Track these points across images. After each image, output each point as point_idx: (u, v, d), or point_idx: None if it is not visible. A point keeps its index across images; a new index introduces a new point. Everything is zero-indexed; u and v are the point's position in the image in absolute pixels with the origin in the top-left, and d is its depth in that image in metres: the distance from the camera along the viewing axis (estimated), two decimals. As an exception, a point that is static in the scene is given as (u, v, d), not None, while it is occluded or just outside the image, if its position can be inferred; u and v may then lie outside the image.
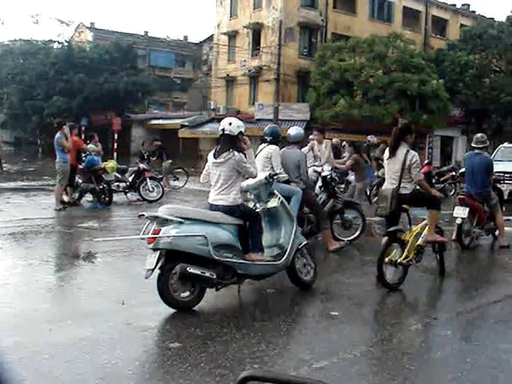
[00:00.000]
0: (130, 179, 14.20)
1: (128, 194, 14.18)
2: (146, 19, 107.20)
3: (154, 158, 16.86)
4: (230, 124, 5.67)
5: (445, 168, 17.40)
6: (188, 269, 5.10)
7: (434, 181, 14.99)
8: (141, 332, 4.76)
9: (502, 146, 18.48)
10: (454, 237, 9.17)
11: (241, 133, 5.71)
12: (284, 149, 8.55)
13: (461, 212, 8.92)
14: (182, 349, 4.38)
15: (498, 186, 11.19)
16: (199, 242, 5.23)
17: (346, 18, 36.47)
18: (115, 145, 28.41)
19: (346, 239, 9.09)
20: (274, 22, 33.84)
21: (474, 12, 45.27)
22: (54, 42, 46.51)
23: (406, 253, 6.34)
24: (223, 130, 5.68)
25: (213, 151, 5.85)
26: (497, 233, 9.61)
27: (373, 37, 30.98)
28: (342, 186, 9.64)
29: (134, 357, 4.24)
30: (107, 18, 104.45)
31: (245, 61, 35.78)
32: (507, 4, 78.59)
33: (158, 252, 5.19)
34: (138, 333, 4.74)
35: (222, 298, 5.78)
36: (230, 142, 5.66)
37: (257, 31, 35.69)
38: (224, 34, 38.52)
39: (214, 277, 5.26)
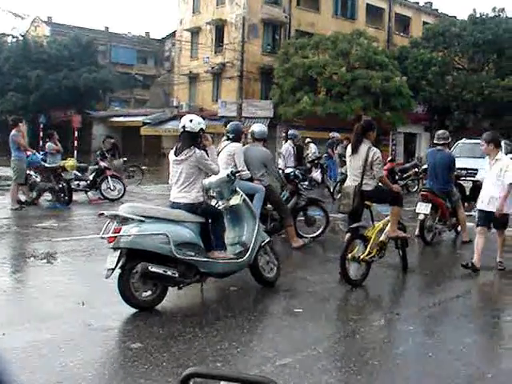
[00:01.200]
0: (91, 177, 13.99)
1: (89, 193, 13.98)
2: (107, 14, 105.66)
3: (108, 156, 16.51)
4: (191, 121, 5.65)
5: (408, 164, 17.66)
6: (149, 268, 5.07)
7: (397, 177, 15.21)
8: (101, 333, 4.71)
9: (460, 142, 18.83)
10: (416, 233, 9.35)
11: (202, 130, 5.70)
12: (247, 146, 8.56)
13: (423, 208, 9.08)
14: (144, 349, 4.34)
15: (460, 182, 11.44)
16: (161, 240, 5.19)
17: (309, 15, 36.68)
18: (75, 142, 27.97)
19: (309, 236, 9.16)
20: (237, 18, 33.81)
21: (436, 10, 46.12)
22: (8, 35, 45.34)
23: (368, 249, 6.42)
24: (184, 127, 5.65)
25: (173, 149, 5.82)
26: (459, 228, 9.83)
27: (336, 34, 31.21)
28: (306, 183, 9.69)
29: (93, 359, 4.18)
30: (65, 13, 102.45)
31: (208, 57, 35.64)
32: (469, 3, 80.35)
33: (119, 251, 5.13)
34: (98, 334, 4.69)
35: (185, 296, 5.76)
36: (190, 139, 5.63)
37: (220, 28, 35.59)
38: (187, 30, 38.28)
39: (177, 275, 5.23)
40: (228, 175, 5.99)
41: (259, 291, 6.14)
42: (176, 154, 5.69)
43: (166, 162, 6.32)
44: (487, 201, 7.40)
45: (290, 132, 13.82)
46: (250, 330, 4.92)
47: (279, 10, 35.19)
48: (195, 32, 37.73)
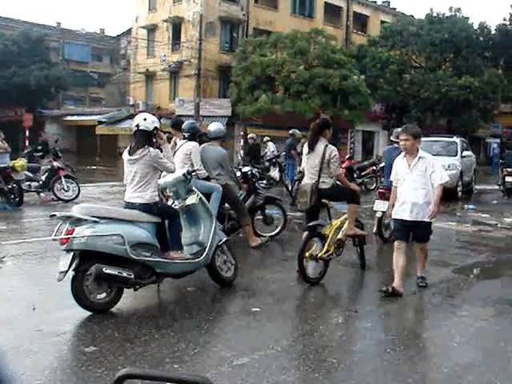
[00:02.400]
0: (44, 178, 13.69)
1: (41, 194, 13.67)
2: (58, 9, 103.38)
3: (39, 154, 15.94)
4: (145, 120, 5.60)
5: (366, 162, 17.92)
6: (104, 269, 5.00)
7: (355, 175, 15.42)
8: (53, 338, 4.62)
9: None
10: (374, 230, 9.49)
11: (156, 128, 5.66)
12: (204, 145, 8.55)
13: (381, 206, 9.22)
14: (98, 352, 4.29)
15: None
16: (115, 241, 5.13)
17: (267, 13, 36.84)
18: (26, 142, 27.35)
19: (267, 235, 9.21)
20: (195, 16, 33.69)
21: (394, 9, 47.01)
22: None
23: (326, 247, 6.49)
24: (138, 126, 5.60)
25: (127, 148, 5.77)
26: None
27: (294, 32, 31.42)
28: (264, 181, 9.73)
29: (44, 365, 4.09)
30: (12, 6, 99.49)
31: (165, 55, 35.41)
32: (426, 2, 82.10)
33: (72, 253, 5.06)
34: (50, 339, 4.60)
35: (141, 298, 5.71)
36: (145, 138, 5.59)
37: (177, 25, 35.40)
38: (143, 27, 37.96)
39: (132, 276, 5.18)
40: (184, 174, 5.97)
41: (217, 291, 6.14)
42: (130, 154, 5.64)
43: (121, 162, 6.25)
44: (409, 208, 6.22)
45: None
46: (207, 330, 4.91)
47: (237, 8, 35.23)
48: (151, 29, 37.44)
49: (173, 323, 4.96)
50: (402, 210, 6.29)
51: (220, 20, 34.70)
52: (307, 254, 6.35)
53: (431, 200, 6.16)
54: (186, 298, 5.95)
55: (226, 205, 8.36)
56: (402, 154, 6.50)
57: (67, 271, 5.03)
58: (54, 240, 5.25)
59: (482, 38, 41.60)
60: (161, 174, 5.92)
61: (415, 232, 6.38)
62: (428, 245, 6.70)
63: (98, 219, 5.17)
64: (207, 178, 8.04)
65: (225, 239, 6.32)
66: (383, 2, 46.43)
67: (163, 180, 6.03)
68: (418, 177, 6.22)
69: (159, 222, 5.61)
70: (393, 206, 6.45)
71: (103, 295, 5.21)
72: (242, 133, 32.14)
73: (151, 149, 5.55)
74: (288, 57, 30.24)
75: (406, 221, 6.26)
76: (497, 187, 19.54)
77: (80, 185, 13.95)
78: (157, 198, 5.68)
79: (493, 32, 42.74)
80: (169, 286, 6.12)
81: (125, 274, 5.12)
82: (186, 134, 8.16)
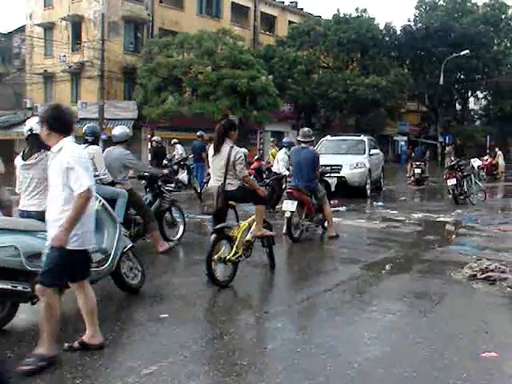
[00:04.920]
0: None
1: None
2: None
3: None
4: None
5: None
6: (-5, 284, 4.77)
7: (264, 176, 15.61)
8: None
9: (324, 139, 19.73)
10: (284, 230, 9.67)
11: None
12: (109, 148, 8.40)
13: (289, 206, 9.41)
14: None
15: (325, 178, 12.01)
16: (9, 253, 4.89)
17: (173, 13, 36.62)
18: None
19: (175, 239, 9.17)
20: (96, 14, 32.85)
21: (301, 9, 48.01)
22: None
23: (234, 249, 6.54)
24: (31, 130, 5.40)
25: (20, 154, 5.55)
26: (326, 224, 10.30)
27: (201, 33, 31.42)
28: (172, 185, 9.66)
29: None
30: None
31: (64, 56, 34.30)
32: (333, 3, 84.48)
33: (-41, 268, 4.79)
34: None
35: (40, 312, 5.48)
36: (40, 142, 5.39)
37: (77, 24, 34.40)
38: (38, 25, 36.57)
39: (28, 289, 4.97)
40: (85, 179, 5.81)
41: (123, 299, 6.04)
42: (24, 159, 5.43)
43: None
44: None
45: (285, 140, 14.88)
46: (112, 340, 4.81)
47: (141, 8, 34.79)
48: (48, 28, 36.17)
49: (75, 336, 4.81)
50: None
51: (124, 19, 34.10)
52: (215, 257, 6.37)
53: None
54: (89, 309, 5.79)
55: (132, 210, 8.24)
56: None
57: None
58: None
59: (387, 38, 43.56)
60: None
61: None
62: None
63: (-12, 231, 4.93)
64: (112, 183, 7.90)
65: (130, 245, 6.21)
66: (291, 3, 47.32)
67: None
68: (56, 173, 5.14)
69: (58, 230, 5.43)
70: None
71: (-5, 312, 4.96)
72: (148, 136, 31.76)
73: (48, 152, 5.37)
74: (195, 58, 30.23)
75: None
76: (404, 184, 20.52)
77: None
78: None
79: (398, 32, 44.83)
80: (70, 298, 5.91)
81: (20, 288, 4.90)
82: (89, 138, 8.00)
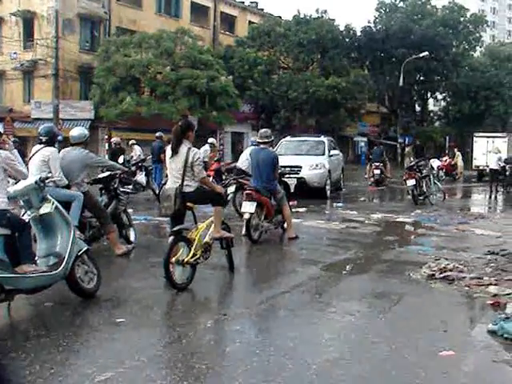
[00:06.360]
0: None
1: None
2: None
3: None
4: None
5: (234, 164, 18.15)
6: None
7: (224, 177, 15.60)
8: None
9: (284, 139, 19.84)
10: (243, 232, 9.68)
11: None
12: (66, 149, 8.27)
13: (248, 207, 9.43)
14: None
15: (285, 179, 12.06)
16: None
17: (131, 12, 36.31)
18: None
19: (133, 240, 9.08)
20: (50, 11, 32.24)
21: (262, 10, 48.20)
22: None
23: (193, 251, 6.50)
24: None
25: None
26: (285, 225, 10.35)
27: (160, 32, 31.28)
28: (130, 186, 9.55)
29: None
30: None
31: (15, 53, 33.52)
32: (293, 3, 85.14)
33: None
34: None
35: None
36: None
37: (28, 20, 33.68)
38: (-17, 20, 35.63)
39: None
40: (36, 182, 5.70)
41: (78, 304, 5.93)
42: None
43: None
44: None
45: (253, 139, 14.71)
46: (66, 347, 4.71)
47: (97, 5, 34.35)
48: (-4, 23, 35.27)
49: (25, 344, 4.69)
50: None
51: (79, 17, 33.61)
52: (173, 260, 6.32)
53: None
54: (42, 315, 5.68)
55: (87, 212, 8.13)
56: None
57: None
58: None
59: (348, 40, 44.15)
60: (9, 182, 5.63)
61: None
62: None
63: None
64: (68, 186, 7.77)
65: (85, 248, 6.12)
66: (251, 3, 47.44)
67: (13, 188, 5.73)
68: None
69: (8, 234, 5.32)
70: None
71: None
72: (106, 136, 31.40)
73: (0, 151, 5.27)
74: (154, 57, 30.05)
75: None
76: (364, 185, 20.78)
77: None
78: (4, 205, 5.38)
79: (358, 34, 45.47)
80: (22, 303, 5.81)
81: None
82: (44, 139, 7.81)
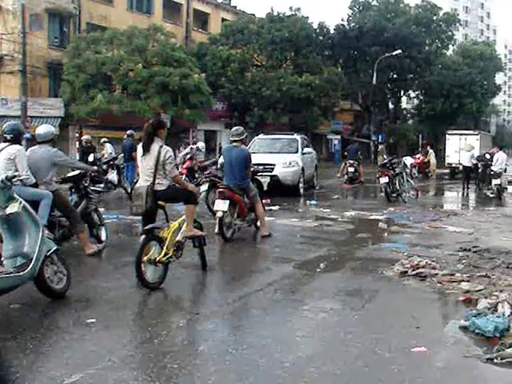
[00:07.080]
0: None
1: None
2: None
3: None
4: None
5: (207, 162, 18.15)
6: None
7: (196, 175, 15.57)
8: None
9: (257, 137, 19.86)
10: (216, 230, 9.67)
11: None
12: (33, 148, 8.15)
13: (221, 205, 9.42)
14: None
15: (257, 177, 12.08)
16: None
17: (101, 8, 35.90)
18: None
19: (104, 240, 9.01)
20: (16, 5, 31.58)
21: (235, 7, 48.19)
22: None
23: (164, 250, 6.47)
24: None
25: None
26: (258, 223, 10.36)
27: (132, 29, 31.02)
28: (102, 185, 9.50)
29: None
30: None
31: (-21, 49, 32.90)
32: (267, 1, 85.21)
33: None
34: None
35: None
36: None
37: (-7, 15, 33.08)
38: None
39: None
40: (2, 180, 5.62)
41: (47, 305, 5.85)
42: None
43: None
44: None
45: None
46: (33, 349, 4.64)
47: (67, 0, 33.86)
48: (-44, 16, 34.50)
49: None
50: None
51: (47, 12, 33.08)
52: (145, 259, 6.29)
53: None
54: (8, 317, 5.57)
55: (56, 211, 8.03)
56: None
57: None
58: None
59: (321, 38, 44.43)
60: None
61: None
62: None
63: None
64: (36, 185, 7.66)
65: (54, 248, 6.04)
66: (224, 0, 47.38)
67: None
68: None
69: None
70: None
71: None
72: (77, 134, 31.07)
73: None
74: (125, 54, 29.83)
75: None
76: (338, 183, 20.90)
77: None
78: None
79: (332, 32, 45.77)
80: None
81: None
82: (8, 137, 7.67)
